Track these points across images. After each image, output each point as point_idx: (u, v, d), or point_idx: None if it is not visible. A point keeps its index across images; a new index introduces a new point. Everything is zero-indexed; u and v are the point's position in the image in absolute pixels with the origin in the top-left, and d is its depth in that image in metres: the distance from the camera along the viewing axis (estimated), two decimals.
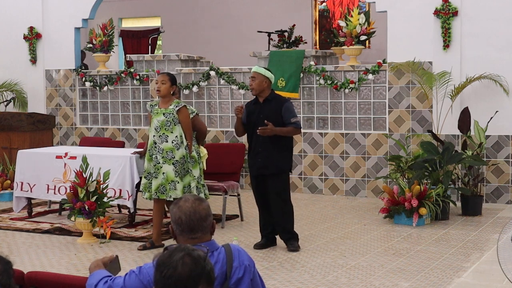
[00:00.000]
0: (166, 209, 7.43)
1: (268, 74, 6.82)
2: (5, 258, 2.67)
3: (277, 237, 7.05)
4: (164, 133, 6.76)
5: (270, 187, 6.78)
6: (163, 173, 6.74)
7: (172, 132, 6.76)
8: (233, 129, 10.71)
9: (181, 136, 6.78)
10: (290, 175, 7.05)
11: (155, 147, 6.80)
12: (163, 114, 6.78)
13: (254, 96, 6.91)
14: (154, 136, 6.81)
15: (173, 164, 6.73)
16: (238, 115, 6.81)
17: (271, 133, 6.64)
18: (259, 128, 6.65)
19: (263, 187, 6.86)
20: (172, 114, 6.76)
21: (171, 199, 6.78)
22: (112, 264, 3.28)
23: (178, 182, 6.75)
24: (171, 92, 6.84)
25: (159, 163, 6.76)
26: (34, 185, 8.30)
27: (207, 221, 3.11)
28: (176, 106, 6.78)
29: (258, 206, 7.00)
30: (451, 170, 8.51)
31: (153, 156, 6.80)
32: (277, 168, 6.74)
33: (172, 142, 6.74)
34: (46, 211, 8.87)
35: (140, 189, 7.17)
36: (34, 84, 12.23)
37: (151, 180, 6.84)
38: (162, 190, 6.76)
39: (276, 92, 7.15)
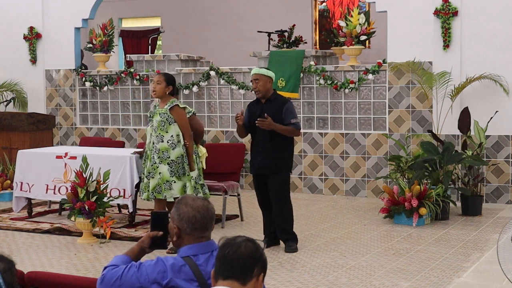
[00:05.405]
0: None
1: (270, 73, 6.80)
2: (7, 257, 2.69)
3: None
4: (160, 133, 6.79)
5: (269, 186, 6.80)
6: (159, 173, 6.77)
7: (167, 132, 6.77)
8: (233, 129, 10.78)
9: (177, 135, 6.78)
10: (290, 176, 7.05)
11: (153, 147, 6.82)
12: (159, 114, 6.81)
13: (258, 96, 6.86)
14: (152, 136, 6.85)
15: (168, 164, 6.74)
16: (239, 123, 6.77)
17: (269, 126, 6.60)
18: (258, 119, 6.60)
19: (263, 187, 6.87)
20: (166, 113, 6.78)
21: (172, 199, 6.80)
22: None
23: (174, 182, 6.75)
24: (167, 92, 6.85)
25: (155, 163, 6.79)
26: (34, 185, 8.30)
27: (214, 220, 3.18)
28: (169, 106, 6.80)
29: (260, 205, 7.01)
30: (451, 170, 8.52)
31: (151, 156, 6.83)
32: (275, 168, 6.74)
33: (167, 142, 6.76)
34: (46, 211, 8.86)
35: (140, 188, 7.18)
36: (34, 84, 12.22)
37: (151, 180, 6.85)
38: (158, 190, 6.79)
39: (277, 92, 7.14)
